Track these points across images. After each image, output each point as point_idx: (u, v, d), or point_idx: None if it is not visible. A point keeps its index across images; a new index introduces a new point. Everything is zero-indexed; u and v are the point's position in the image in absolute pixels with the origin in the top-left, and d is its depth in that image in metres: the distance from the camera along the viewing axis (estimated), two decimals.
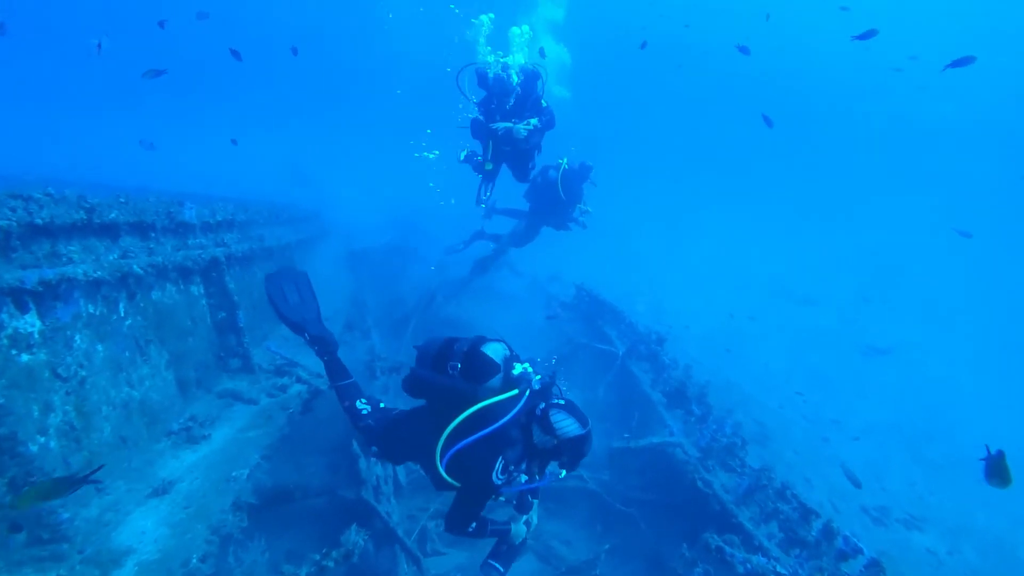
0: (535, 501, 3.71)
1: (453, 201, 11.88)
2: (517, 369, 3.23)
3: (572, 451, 3.03)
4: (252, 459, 4.16)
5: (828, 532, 5.16)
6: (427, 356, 3.36)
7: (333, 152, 33.43)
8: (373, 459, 5.82)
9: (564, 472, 3.23)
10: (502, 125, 7.58)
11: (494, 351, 3.26)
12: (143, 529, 3.36)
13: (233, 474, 3.98)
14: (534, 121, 7.58)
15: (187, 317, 5.68)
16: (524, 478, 3.32)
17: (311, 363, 6.64)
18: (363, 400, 4.13)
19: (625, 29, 33.30)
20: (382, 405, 4.14)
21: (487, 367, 3.20)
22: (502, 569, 3.35)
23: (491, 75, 7.60)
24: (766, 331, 15.03)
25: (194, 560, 3.04)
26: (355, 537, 3.36)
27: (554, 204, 9.39)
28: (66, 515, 3.08)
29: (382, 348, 9.02)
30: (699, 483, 6.48)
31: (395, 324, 10.86)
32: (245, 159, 22.01)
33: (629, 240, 21.49)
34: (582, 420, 3.07)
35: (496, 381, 3.20)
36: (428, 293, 11.28)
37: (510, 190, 9.73)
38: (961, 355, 16.68)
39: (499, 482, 3.01)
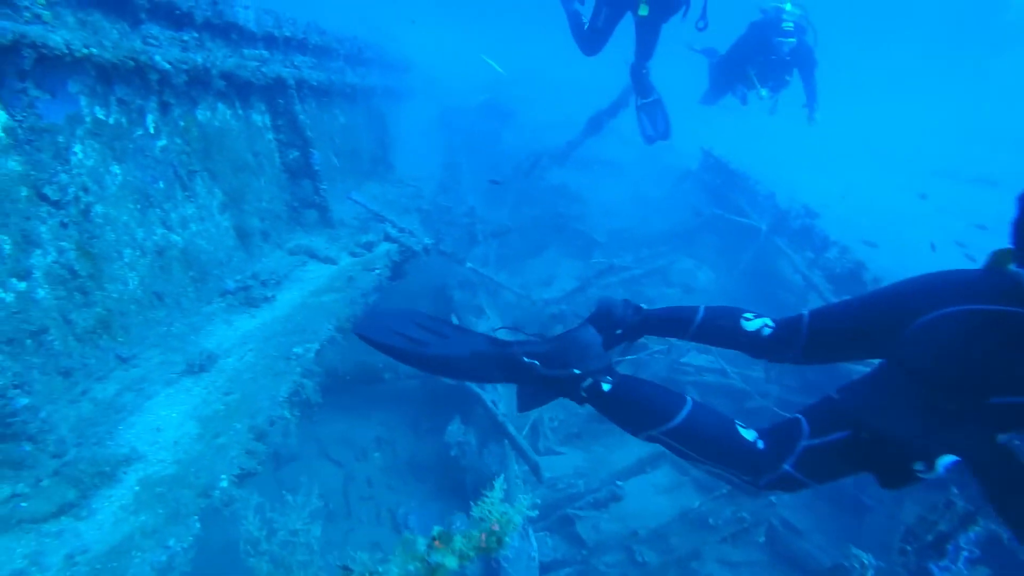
0: None
1: None
2: None
3: None
4: (323, 331, 2.97)
5: None
6: None
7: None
8: None
9: None
10: None
11: None
12: (162, 424, 2.30)
13: (296, 351, 2.82)
14: None
15: (248, 150, 4.47)
16: None
17: (399, 218, 5.41)
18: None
19: None
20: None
21: None
22: None
23: None
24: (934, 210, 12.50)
25: (223, 483, 1.93)
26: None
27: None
28: (23, 401, 1.94)
29: (483, 212, 7.71)
30: None
31: (492, 189, 9.46)
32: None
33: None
34: None
35: None
36: (533, 155, 9.69)
37: None
38: None
39: None
